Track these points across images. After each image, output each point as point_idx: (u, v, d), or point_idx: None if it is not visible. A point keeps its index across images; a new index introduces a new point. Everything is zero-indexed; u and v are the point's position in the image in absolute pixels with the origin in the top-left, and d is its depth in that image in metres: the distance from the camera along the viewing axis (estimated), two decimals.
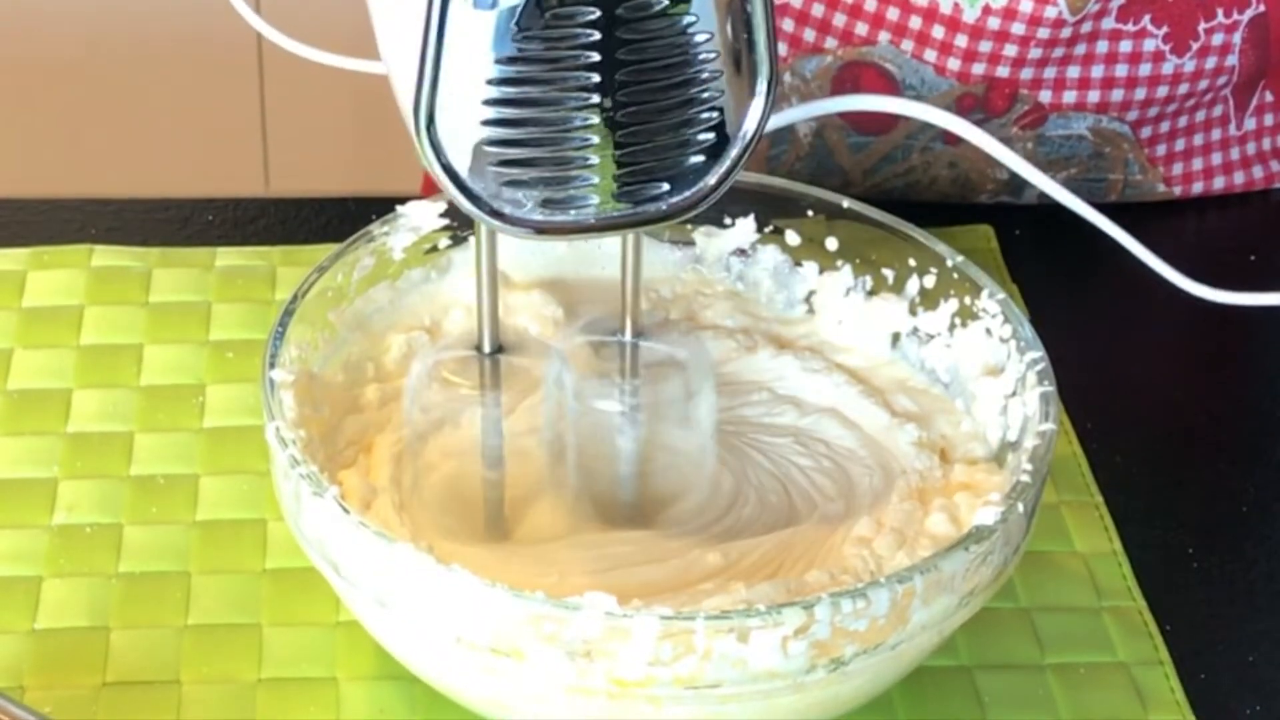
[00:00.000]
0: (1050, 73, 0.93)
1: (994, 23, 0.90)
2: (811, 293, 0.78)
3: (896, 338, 0.76)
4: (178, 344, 0.83)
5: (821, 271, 0.77)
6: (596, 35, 0.59)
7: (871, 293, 0.76)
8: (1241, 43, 0.94)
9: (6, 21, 1.79)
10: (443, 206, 0.75)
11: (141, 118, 1.84)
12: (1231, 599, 0.74)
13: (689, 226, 0.78)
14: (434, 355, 0.71)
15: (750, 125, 0.63)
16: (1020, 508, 0.64)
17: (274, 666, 0.69)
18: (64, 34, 1.80)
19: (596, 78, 0.60)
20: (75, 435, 0.78)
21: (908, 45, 0.93)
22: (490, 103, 0.60)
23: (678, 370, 0.72)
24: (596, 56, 0.60)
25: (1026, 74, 0.93)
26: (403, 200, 0.75)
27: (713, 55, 0.61)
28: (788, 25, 0.95)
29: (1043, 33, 0.90)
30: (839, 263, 0.77)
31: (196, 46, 1.80)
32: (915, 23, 0.92)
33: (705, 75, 0.61)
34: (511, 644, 0.60)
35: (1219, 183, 0.98)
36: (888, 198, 0.97)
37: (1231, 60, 0.94)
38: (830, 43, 0.94)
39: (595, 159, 0.61)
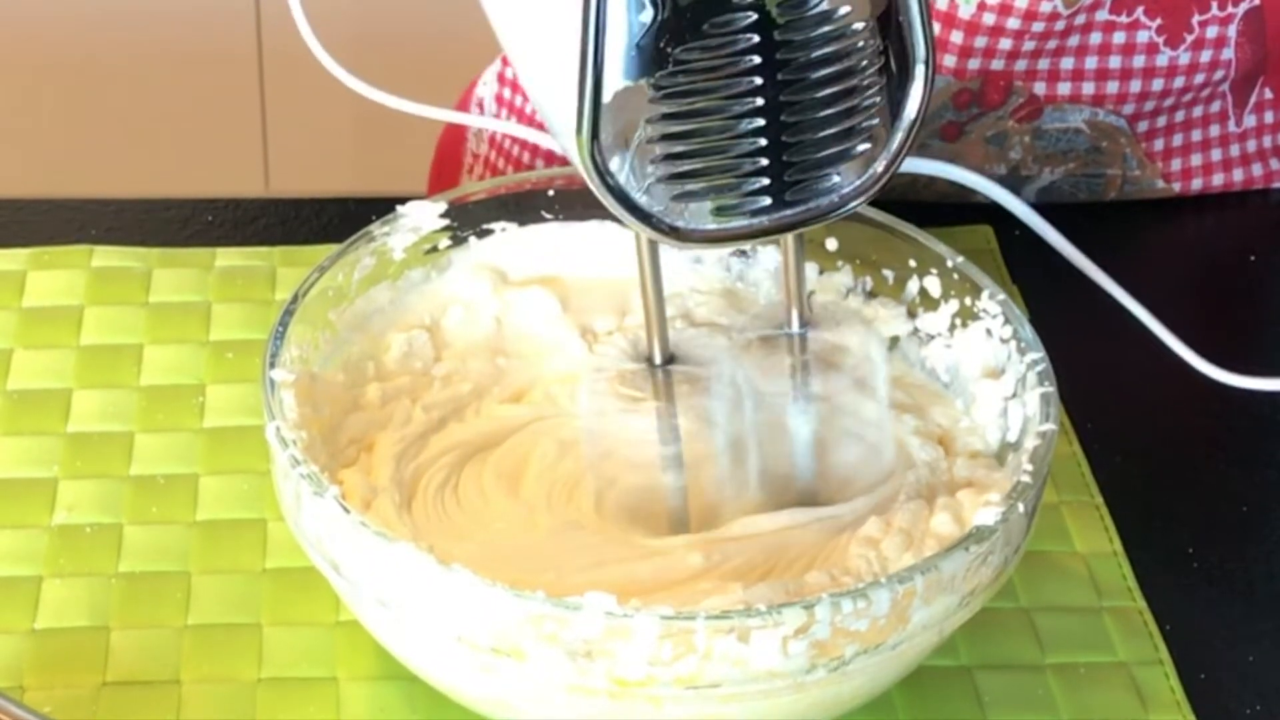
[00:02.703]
0: (1044, 64, 0.93)
1: (989, 18, 0.90)
2: (811, 293, 0.78)
3: (895, 341, 0.76)
4: (178, 344, 0.83)
5: (821, 272, 0.77)
6: (755, 38, 0.59)
7: (872, 294, 0.76)
8: (1237, 35, 0.94)
9: (7, 22, 1.79)
10: (443, 206, 0.75)
11: (141, 118, 1.84)
12: (1231, 599, 0.74)
13: None
14: (603, 374, 0.71)
15: (912, 109, 0.63)
16: (1020, 508, 0.64)
17: (274, 666, 0.69)
18: (64, 34, 1.80)
19: (758, 80, 0.60)
20: (75, 435, 0.78)
21: None
22: (654, 119, 0.60)
23: (846, 357, 0.72)
24: (757, 59, 0.60)
25: (1020, 65, 0.93)
26: (403, 200, 0.75)
27: (870, 45, 0.61)
28: None
29: (1037, 26, 0.91)
30: (839, 263, 0.77)
31: (197, 47, 1.80)
32: None
33: (864, 65, 0.61)
34: (512, 643, 0.60)
35: (1218, 179, 0.98)
36: (886, 198, 0.97)
37: (1227, 54, 0.94)
38: None
39: (765, 160, 0.61)
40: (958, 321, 0.74)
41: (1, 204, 0.91)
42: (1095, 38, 0.93)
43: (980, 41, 0.91)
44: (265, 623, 0.71)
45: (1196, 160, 0.98)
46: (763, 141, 0.61)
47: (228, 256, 0.88)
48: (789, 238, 0.68)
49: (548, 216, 0.77)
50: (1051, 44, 0.92)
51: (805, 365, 0.72)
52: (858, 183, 0.63)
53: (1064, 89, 0.94)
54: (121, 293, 0.86)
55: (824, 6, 0.60)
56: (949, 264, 0.74)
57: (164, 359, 0.82)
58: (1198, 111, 0.97)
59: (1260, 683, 0.71)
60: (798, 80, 0.61)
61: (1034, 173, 0.96)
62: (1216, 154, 0.98)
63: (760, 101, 0.60)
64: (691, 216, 0.62)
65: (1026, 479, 0.65)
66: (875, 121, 0.62)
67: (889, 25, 0.62)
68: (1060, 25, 0.91)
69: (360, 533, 0.61)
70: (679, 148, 0.60)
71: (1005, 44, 0.91)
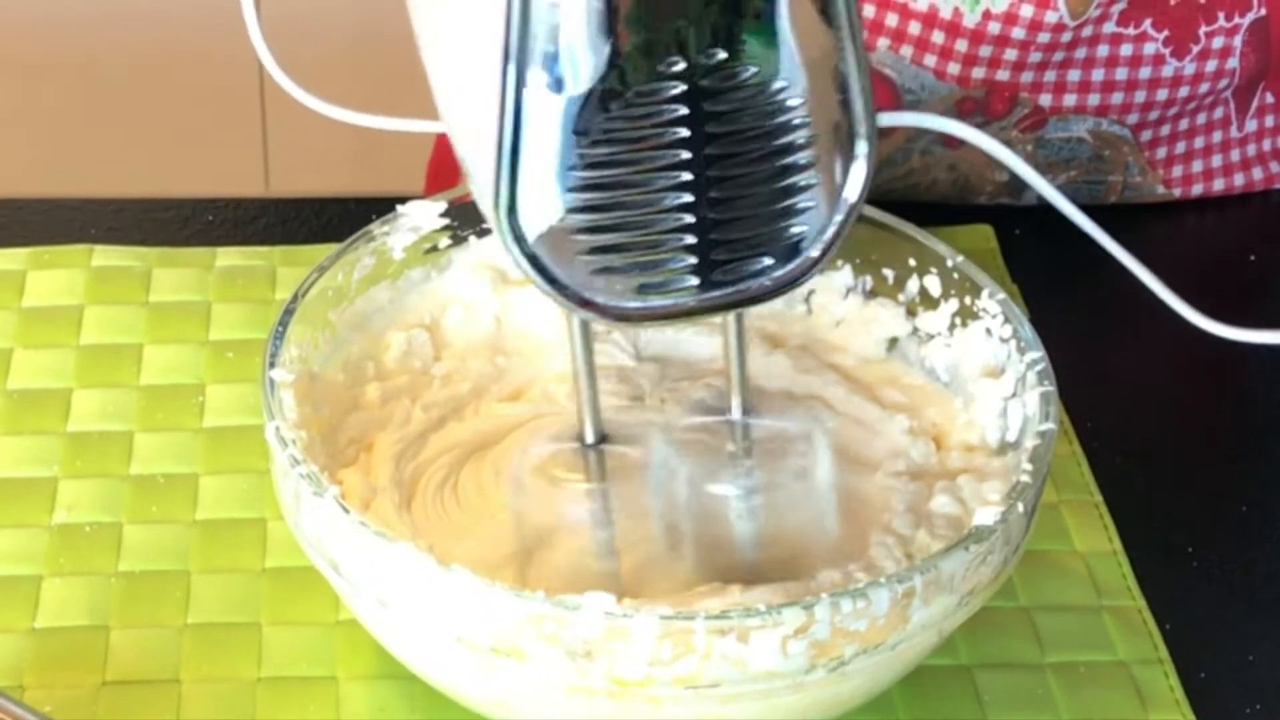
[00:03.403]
0: (1050, 76, 0.93)
1: (994, 27, 0.90)
2: (811, 292, 0.78)
3: (894, 341, 0.76)
4: (178, 344, 0.83)
5: (822, 271, 0.77)
6: (683, 110, 0.57)
7: (872, 293, 0.76)
8: (1242, 46, 0.94)
9: (7, 21, 1.79)
10: (443, 206, 0.75)
11: (141, 118, 1.84)
12: (1231, 599, 0.74)
13: None
14: (538, 450, 0.69)
15: (853, 191, 0.60)
16: (1020, 507, 0.64)
17: (274, 666, 0.69)
18: (64, 34, 1.80)
19: (686, 154, 0.57)
20: (75, 435, 0.78)
21: (907, 51, 0.93)
22: (575, 188, 0.57)
23: (792, 444, 0.70)
24: (684, 132, 0.57)
25: (1026, 77, 0.93)
26: (403, 200, 0.75)
27: (806, 121, 0.58)
28: None
29: (1043, 37, 0.90)
30: (839, 262, 0.77)
31: (197, 46, 1.80)
32: (915, 28, 0.92)
33: (800, 142, 0.59)
34: (512, 643, 0.60)
35: (1219, 185, 0.98)
36: (887, 200, 0.97)
37: (1232, 63, 0.94)
38: None
39: (691, 239, 0.58)
40: (957, 321, 0.74)
41: (1, 203, 0.91)
42: (1102, 50, 0.92)
43: (985, 50, 0.91)
44: (265, 622, 0.71)
45: (1198, 166, 0.98)
46: (689, 219, 0.58)
47: (228, 256, 0.88)
48: (730, 321, 0.66)
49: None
50: (1058, 56, 0.92)
51: (747, 453, 0.70)
52: (790, 266, 0.61)
53: (1069, 100, 0.94)
54: (121, 292, 0.86)
55: (756, 80, 0.57)
56: (949, 263, 0.74)
57: (164, 358, 0.82)
58: (1200, 118, 0.97)
59: (1260, 683, 0.71)
60: (727, 156, 0.58)
61: None
62: (1217, 160, 0.98)
63: (687, 176, 0.58)
64: (613, 293, 0.59)
65: (1026, 478, 0.65)
66: (811, 203, 0.60)
67: (829, 102, 0.58)
68: (1066, 37, 0.91)
69: (360, 533, 0.61)
70: (601, 221, 0.58)
71: (1011, 54, 0.91)
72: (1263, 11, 0.93)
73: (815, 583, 0.65)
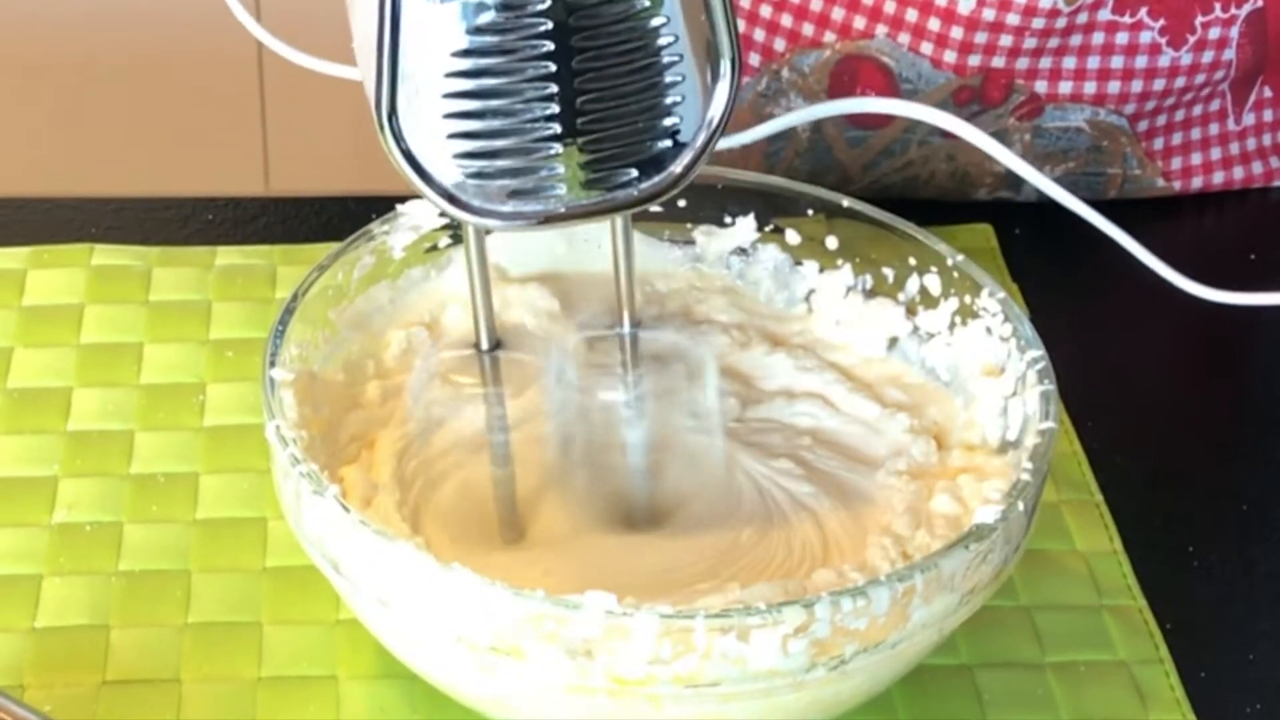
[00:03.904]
0: (1046, 63, 0.93)
1: (989, 14, 0.90)
2: (811, 291, 0.78)
3: (894, 340, 0.76)
4: (178, 343, 0.83)
5: (821, 270, 0.77)
6: (550, 25, 0.60)
7: (872, 292, 0.76)
8: (1239, 37, 0.94)
9: (7, 21, 1.79)
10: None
11: (141, 117, 1.84)
12: (1231, 599, 0.74)
13: (689, 225, 0.78)
14: (434, 355, 0.71)
15: (716, 110, 0.63)
16: (1021, 506, 0.64)
17: (274, 665, 0.69)
18: (64, 34, 1.80)
19: (554, 66, 0.60)
20: (75, 434, 0.78)
21: (904, 38, 0.93)
22: (450, 95, 0.60)
23: (679, 358, 0.72)
24: (551, 46, 0.60)
25: (1022, 64, 0.93)
26: (403, 199, 0.75)
27: (671, 40, 0.61)
28: (786, 20, 0.95)
29: (1037, 22, 0.91)
30: (839, 261, 0.77)
31: (196, 45, 1.80)
32: (911, 15, 0.92)
33: (665, 61, 0.62)
34: (512, 643, 0.60)
35: (1218, 178, 0.98)
36: (886, 194, 0.97)
37: (1229, 54, 0.94)
38: (828, 37, 0.94)
39: (559, 148, 0.62)
40: (958, 320, 0.74)
41: (1, 203, 0.91)
42: (1098, 37, 0.93)
43: (980, 37, 0.91)
44: (265, 621, 0.71)
45: (1196, 159, 0.98)
46: (557, 128, 0.61)
47: (228, 255, 0.88)
48: (617, 231, 0.69)
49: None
50: (1053, 43, 0.92)
51: (635, 365, 0.72)
52: (657, 179, 0.64)
53: (1065, 88, 0.94)
54: (121, 291, 0.86)
55: None
56: (949, 262, 0.74)
57: (164, 357, 0.82)
58: (1197, 110, 0.97)
59: (1260, 682, 0.71)
60: (595, 69, 0.61)
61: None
62: (1216, 152, 0.98)
63: (555, 89, 0.61)
64: (486, 196, 0.62)
65: (1026, 477, 0.65)
66: (676, 119, 0.63)
67: (695, 22, 0.62)
68: (1061, 23, 0.91)
69: (360, 532, 0.61)
70: (476, 127, 0.61)
71: (1006, 40, 0.91)
72: (1260, 3, 0.93)
73: (812, 582, 0.65)
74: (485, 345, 0.71)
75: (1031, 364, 0.69)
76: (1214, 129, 0.98)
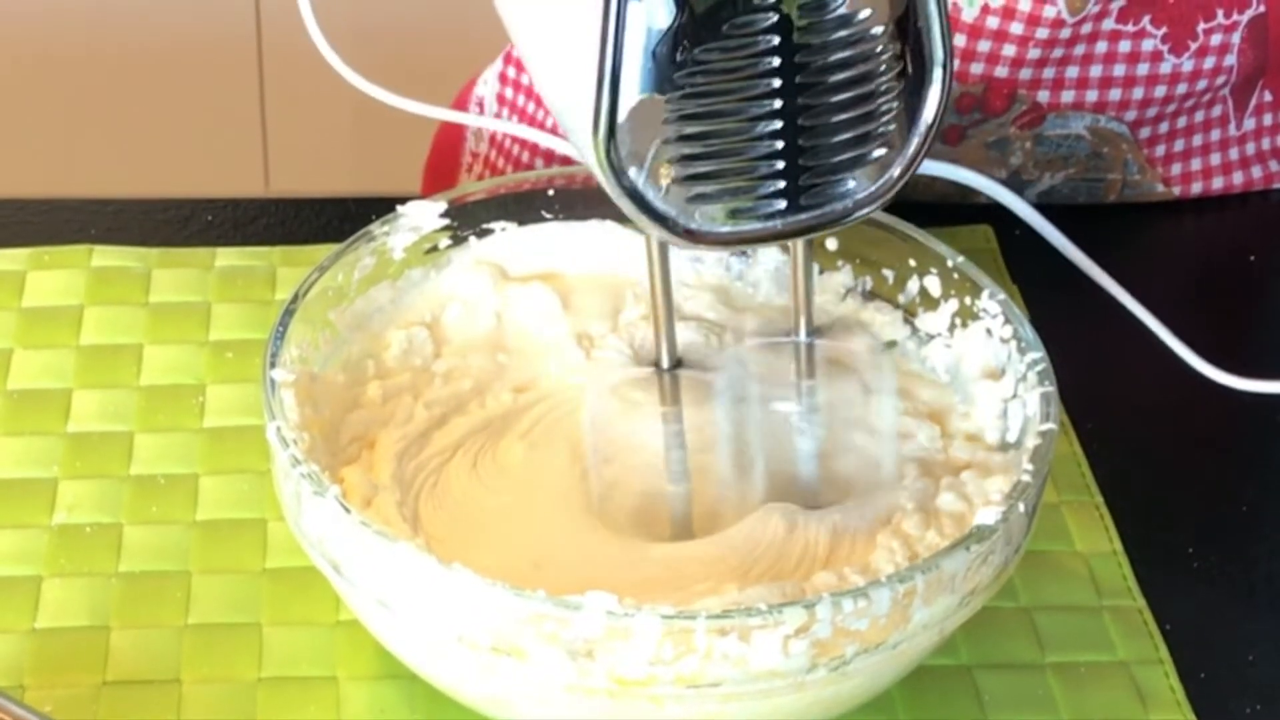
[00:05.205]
0: (1049, 73, 0.93)
1: (993, 22, 0.90)
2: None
3: (892, 344, 0.76)
4: (178, 344, 0.83)
5: (821, 272, 0.77)
6: (774, 40, 0.59)
7: (871, 294, 0.76)
8: (1240, 43, 0.94)
9: (7, 21, 1.79)
10: (442, 206, 0.75)
11: (141, 118, 1.84)
12: (1231, 599, 0.74)
13: None
14: (610, 379, 0.71)
15: (929, 113, 0.63)
16: (1021, 507, 0.64)
17: (274, 666, 0.69)
18: (64, 34, 1.80)
19: (776, 83, 0.60)
20: (75, 435, 0.78)
21: None
22: (672, 119, 0.60)
23: (854, 367, 0.72)
24: (775, 62, 0.60)
25: (1025, 74, 0.93)
26: (403, 200, 0.75)
27: (887, 49, 0.61)
28: None
29: (1041, 33, 0.90)
30: (839, 263, 0.77)
31: (196, 46, 1.80)
32: None
33: (882, 69, 0.61)
34: (512, 643, 0.60)
35: (1218, 183, 0.98)
36: None
37: (1230, 60, 0.94)
38: None
39: (780, 164, 0.61)
40: (958, 321, 0.74)
41: (1, 204, 0.91)
42: (1101, 46, 0.93)
43: (984, 46, 0.91)
44: (265, 622, 0.71)
45: (1196, 165, 0.98)
46: (779, 145, 0.61)
47: (227, 256, 0.88)
48: (798, 244, 0.68)
49: (548, 216, 0.77)
50: (1056, 53, 0.92)
51: (812, 373, 0.72)
52: (872, 188, 0.63)
53: (1067, 96, 0.94)
54: (121, 293, 0.86)
55: (843, 10, 0.60)
56: (949, 263, 0.74)
57: (164, 359, 0.82)
58: (1199, 116, 0.97)
59: (1260, 683, 0.71)
60: (815, 84, 0.61)
61: (1035, 177, 0.96)
62: (1216, 158, 0.98)
63: (778, 104, 0.60)
64: (705, 219, 0.62)
65: (1027, 478, 0.65)
66: (891, 127, 0.62)
67: (907, 29, 0.62)
68: (1065, 33, 0.91)
69: (361, 532, 0.61)
70: (695, 149, 0.60)
71: (1009, 50, 0.91)
72: (1261, 9, 0.93)
73: (811, 584, 0.65)
74: (666, 363, 0.70)
75: (1031, 365, 0.69)
76: (1214, 135, 0.98)
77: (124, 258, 0.87)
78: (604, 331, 0.76)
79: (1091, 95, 0.94)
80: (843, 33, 0.60)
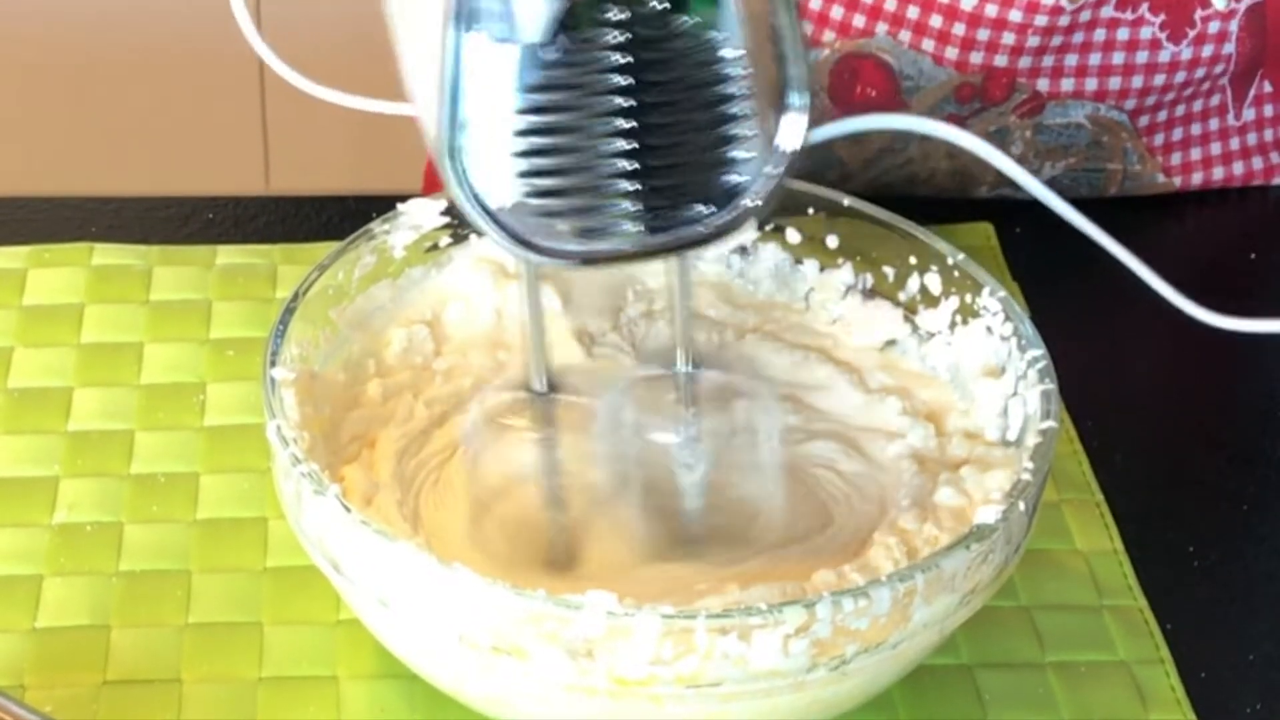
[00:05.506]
0: (1048, 61, 0.93)
1: (992, 10, 0.91)
2: (811, 290, 0.78)
3: (892, 343, 0.76)
4: (178, 342, 0.83)
5: (822, 269, 0.77)
6: (621, 59, 0.59)
7: (871, 291, 0.76)
8: (1238, 31, 0.94)
9: (7, 21, 1.79)
10: (443, 204, 0.75)
11: (141, 116, 1.84)
12: (1231, 599, 0.74)
13: None
14: (490, 399, 0.70)
15: (789, 142, 0.61)
16: (1021, 506, 0.64)
17: (274, 665, 0.69)
18: (64, 33, 1.80)
19: (625, 102, 0.59)
20: (76, 434, 0.78)
21: (905, 35, 0.93)
22: (519, 134, 0.59)
23: (739, 398, 0.71)
24: (623, 81, 0.59)
25: (1024, 62, 0.93)
26: (403, 198, 0.75)
27: (742, 72, 0.60)
28: None
29: (1040, 20, 0.91)
30: (839, 260, 0.77)
31: (197, 44, 1.80)
32: (913, 12, 0.92)
33: (736, 93, 0.60)
34: (513, 643, 0.60)
35: (1218, 173, 0.98)
36: (888, 192, 0.97)
37: (1228, 48, 0.94)
38: (828, 35, 0.94)
39: (630, 185, 0.60)
40: (958, 319, 0.74)
41: (2, 202, 0.91)
42: (1099, 34, 0.93)
43: (983, 34, 0.91)
44: (266, 621, 0.71)
45: (1196, 154, 0.98)
46: (630, 165, 0.60)
47: (228, 254, 0.88)
48: (674, 276, 0.67)
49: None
50: (1056, 40, 0.92)
51: (693, 404, 0.70)
52: (729, 215, 0.62)
53: (1067, 85, 0.94)
54: (122, 291, 0.85)
55: (692, 31, 0.59)
56: (949, 261, 0.74)
57: (164, 357, 0.82)
58: (1197, 105, 0.97)
59: (1260, 682, 0.71)
60: (666, 104, 0.59)
61: (1035, 167, 0.96)
62: (1216, 148, 0.98)
63: (626, 124, 0.59)
64: (555, 236, 0.61)
65: (1027, 476, 0.65)
66: (749, 154, 0.61)
67: (766, 56, 0.60)
68: (1064, 20, 0.91)
69: (361, 531, 0.61)
70: (543, 164, 0.59)
71: (1009, 38, 0.91)
72: None
73: (811, 583, 0.65)
74: (540, 387, 0.69)
75: (1032, 363, 0.69)
76: (1214, 124, 0.98)
77: (124, 256, 0.87)
78: (604, 329, 0.76)
79: (1091, 84, 0.94)
80: (694, 54, 0.59)
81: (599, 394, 0.70)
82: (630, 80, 0.59)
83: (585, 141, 0.59)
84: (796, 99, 0.61)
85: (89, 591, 0.71)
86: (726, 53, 0.60)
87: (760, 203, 0.62)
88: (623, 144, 0.59)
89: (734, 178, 0.61)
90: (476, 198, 0.60)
